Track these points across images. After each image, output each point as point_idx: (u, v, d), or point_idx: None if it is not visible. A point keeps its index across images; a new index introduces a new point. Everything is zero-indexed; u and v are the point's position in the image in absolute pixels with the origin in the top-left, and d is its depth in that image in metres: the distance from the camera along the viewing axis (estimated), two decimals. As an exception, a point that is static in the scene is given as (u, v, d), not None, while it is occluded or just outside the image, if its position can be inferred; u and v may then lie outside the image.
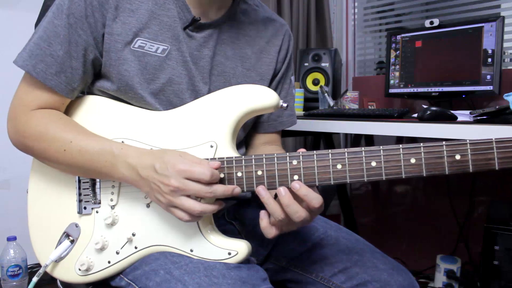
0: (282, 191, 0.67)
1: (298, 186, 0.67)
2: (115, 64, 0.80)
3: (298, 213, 0.66)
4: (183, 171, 0.68)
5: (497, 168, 0.60)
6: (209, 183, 0.69)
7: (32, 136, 0.78)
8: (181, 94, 0.83)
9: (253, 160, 0.71)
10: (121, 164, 0.73)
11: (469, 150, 0.62)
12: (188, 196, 0.69)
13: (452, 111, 1.21)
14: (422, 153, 0.63)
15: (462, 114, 1.24)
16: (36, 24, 1.00)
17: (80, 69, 0.80)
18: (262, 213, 0.71)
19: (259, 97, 0.77)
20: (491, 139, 0.61)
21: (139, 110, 0.82)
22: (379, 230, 2.31)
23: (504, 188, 1.82)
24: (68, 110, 0.84)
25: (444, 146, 0.63)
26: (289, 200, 0.67)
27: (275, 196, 0.71)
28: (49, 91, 0.79)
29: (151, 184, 0.70)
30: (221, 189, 0.69)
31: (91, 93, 0.86)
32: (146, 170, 0.71)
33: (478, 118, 1.09)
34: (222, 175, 0.72)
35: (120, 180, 0.77)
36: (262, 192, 0.68)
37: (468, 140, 0.62)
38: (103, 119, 0.82)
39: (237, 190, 0.71)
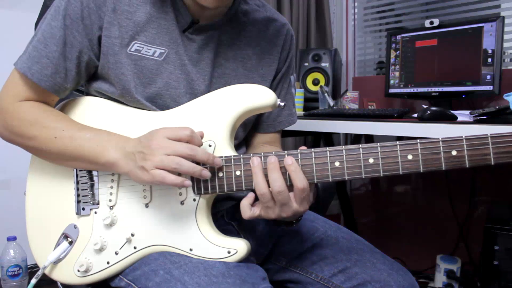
0: (272, 158, 0.69)
1: (290, 162, 0.68)
2: (112, 68, 0.80)
3: (278, 182, 0.67)
4: (164, 132, 0.70)
5: (492, 163, 0.62)
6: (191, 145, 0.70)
7: (21, 125, 0.78)
8: (179, 99, 0.83)
9: (251, 159, 0.71)
10: (110, 147, 0.74)
11: (465, 145, 0.63)
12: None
13: (452, 111, 1.20)
14: (419, 149, 0.64)
15: (462, 114, 1.24)
16: (36, 24, 1.00)
17: (74, 70, 0.80)
18: (250, 194, 0.72)
19: (257, 96, 0.77)
20: (487, 134, 0.62)
21: (138, 110, 0.82)
22: (379, 230, 2.31)
23: (504, 188, 1.82)
24: (68, 112, 0.84)
25: (441, 142, 0.64)
26: (274, 167, 0.68)
27: None
28: (39, 88, 0.79)
29: (135, 155, 0.71)
30: (201, 150, 0.70)
31: (89, 93, 0.87)
32: (132, 145, 0.72)
33: (478, 118, 1.09)
34: (221, 174, 0.72)
35: (106, 165, 0.75)
36: (256, 161, 0.69)
37: (464, 136, 0.63)
38: (102, 120, 0.82)
39: (218, 160, 0.71)
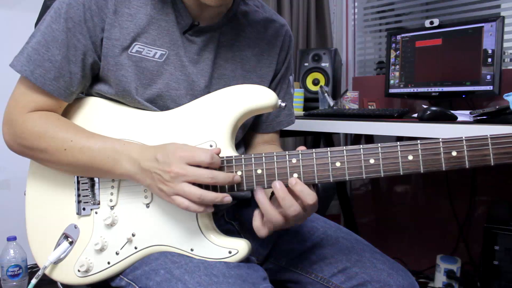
0: (277, 184, 0.68)
1: (294, 181, 0.67)
2: (113, 69, 0.80)
3: (293, 207, 0.67)
4: (183, 157, 0.68)
5: (492, 164, 0.62)
6: (210, 169, 0.69)
7: (30, 137, 0.77)
8: (179, 100, 0.83)
9: (253, 159, 0.71)
10: (123, 159, 0.73)
11: (465, 146, 0.63)
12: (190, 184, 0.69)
13: (452, 111, 1.21)
14: (419, 150, 0.65)
15: (462, 114, 1.24)
16: (36, 24, 1.00)
17: (79, 73, 0.80)
18: (256, 212, 0.71)
19: (258, 97, 0.77)
20: (486, 135, 0.62)
21: (139, 111, 0.82)
22: (379, 230, 2.31)
23: (504, 188, 1.82)
24: (68, 112, 0.84)
25: (441, 143, 0.64)
26: (284, 193, 0.67)
27: (271, 195, 0.71)
28: (47, 95, 0.78)
29: (153, 175, 0.70)
30: (222, 175, 0.69)
31: (89, 94, 0.86)
32: (148, 162, 0.71)
33: (478, 118, 1.09)
34: (222, 175, 0.72)
35: (121, 176, 0.76)
36: (261, 197, 0.68)
37: (464, 137, 0.63)
38: (103, 121, 0.82)
39: (237, 177, 0.71)
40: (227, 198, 0.70)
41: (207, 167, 0.69)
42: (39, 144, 0.77)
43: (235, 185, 0.72)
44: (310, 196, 0.67)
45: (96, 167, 0.76)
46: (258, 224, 0.71)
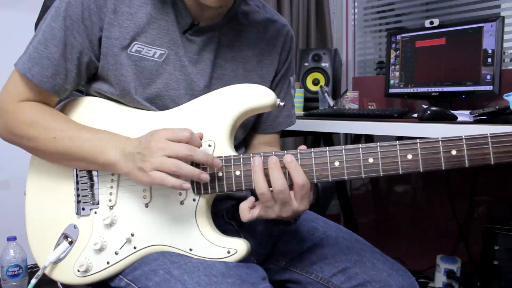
0: (273, 159, 0.69)
1: (290, 159, 0.68)
2: (112, 69, 0.80)
3: (280, 180, 0.67)
4: (164, 133, 0.70)
5: (492, 163, 0.62)
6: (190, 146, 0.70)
7: (21, 125, 0.78)
8: (178, 100, 0.83)
9: (251, 158, 0.71)
10: (108, 147, 0.74)
11: (464, 145, 0.63)
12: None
13: (452, 111, 1.21)
14: (419, 149, 0.64)
15: (462, 114, 1.24)
16: (36, 24, 1.00)
17: (74, 71, 0.80)
18: (250, 198, 0.72)
19: (256, 96, 0.77)
20: (486, 134, 0.62)
21: (138, 111, 0.82)
22: (379, 230, 2.31)
23: (504, 188, 1.82)
24: (68, 111, 0.84)
25: (440, 142, 0.64)
26: (275, 166, 0.68)
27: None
28: (40, 90, 0.79)
29: (134, 156, 0.71)
30: (201, 153, 0.70)
31: (88, 94, 0.87)
32: (132, 146, 0.72)
33: (478, 118, 1.09)
34: (220, 174, 0.72)
35: (104, 166, 0.76)
36: (257, 160, 0.69)
37: (463, 136, 0.63)
38: (102, 121, 0.82)
39: (217, 161, 0.71)
40: (203, 175, 0.70)
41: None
42: (28, 133, 0.78)
43: (233, 185, 0.72)
44: (300, 178, 0.67)
45: (83, 156, 0.76)
46: (244, 207, 0.71)
